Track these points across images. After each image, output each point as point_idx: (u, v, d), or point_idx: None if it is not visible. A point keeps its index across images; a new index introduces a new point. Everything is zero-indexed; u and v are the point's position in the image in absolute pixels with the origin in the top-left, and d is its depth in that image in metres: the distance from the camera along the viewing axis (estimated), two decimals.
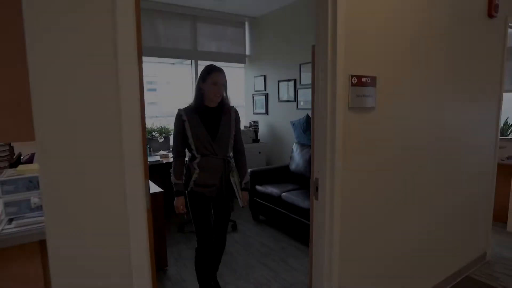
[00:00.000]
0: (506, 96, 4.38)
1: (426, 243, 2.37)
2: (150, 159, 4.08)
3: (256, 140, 5.06)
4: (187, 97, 5.04)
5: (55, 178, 0.98)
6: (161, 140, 4.62)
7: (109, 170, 1.07)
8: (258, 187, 3.89)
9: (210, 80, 2.06)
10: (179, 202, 2.16)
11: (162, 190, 2.81)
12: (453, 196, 2.56)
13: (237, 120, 2.25)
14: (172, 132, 4.72)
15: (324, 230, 1.71)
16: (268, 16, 5.02)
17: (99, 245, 1.08)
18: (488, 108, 2.83)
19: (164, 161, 4.05)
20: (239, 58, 5.45)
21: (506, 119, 4.59)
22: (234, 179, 2.23)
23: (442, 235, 2.51)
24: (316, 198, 1.74)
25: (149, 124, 4.69)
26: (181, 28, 4.81)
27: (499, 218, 3.81)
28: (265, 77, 5.14)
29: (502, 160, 3.90)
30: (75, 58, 0.99)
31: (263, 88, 5.19)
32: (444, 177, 2.44)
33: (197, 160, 2.11)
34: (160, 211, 2.75)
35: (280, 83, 4.80)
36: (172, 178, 2.14)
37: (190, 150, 2.15)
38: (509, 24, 2.87)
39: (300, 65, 4.41)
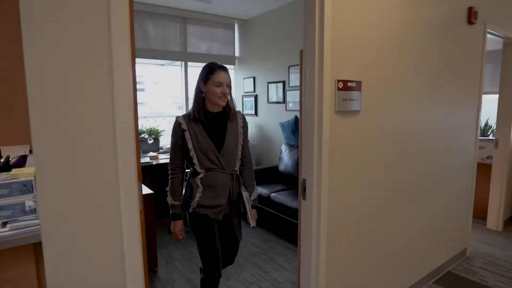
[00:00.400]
0: (487, 98, 4.55)
1: (410, 240, 2.46)
2: (140, 160, 4.09)
3: None
4: (177, 98, 5.10)
5: (50, 181, 1.01)
6: (151, 141, 4.63)
7: (103, 172, 1.10)
8: None
9: (213, 81, 1.75)
10: (176, 228, 1.88)
11: (153, 192, 2.83)
12: (436, 195, 2.67)
13: (245, 128, 1.96)
14: (162, 133, 4.75)
15: (311, 229, 1.78)
16: (257, 19, 5.08)
17: (94, 246, 1.11)
18: (468, 109, 2.95)
19: (154, 163, 4.07)
20: (228, 60, 5.49)
21: (487, 120, 4.76)
22: (246, 194, 1.93)
23: (425, 233, 2.61)
24: (304, 199, 1.80)
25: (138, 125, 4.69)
26: (171, 29, 4.82)
27: (479, 215, 3.95)
28: (254, 78, 5.20)
29: (482, 160, 4.06)
30: (69, 60, 1.02)
31: (252, 90, 5.24)
32: (427, 177, 2.54)
33: (201, 175, 1.81)
34: (150, 213, 2.77)
35: (269, 85, 4.87)
36: (169, 199, 1.85)
37: (191, 165, 1.84)
38: (488, 30, 3.00)
39: (288, 67, 4.48)
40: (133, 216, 1.16)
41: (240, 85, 5.52)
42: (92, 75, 1.06)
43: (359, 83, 1.86)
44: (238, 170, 1.94)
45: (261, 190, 3.78)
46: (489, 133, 4.68)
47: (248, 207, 1.92)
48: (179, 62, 5.10)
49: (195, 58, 5.05)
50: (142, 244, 1.24)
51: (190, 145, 1.78)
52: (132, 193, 1.15)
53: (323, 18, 1.64)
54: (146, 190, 2.86)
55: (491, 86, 4.66)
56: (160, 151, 4.74)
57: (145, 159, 4.17)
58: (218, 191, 1.84)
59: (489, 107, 4.29)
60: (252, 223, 1.96)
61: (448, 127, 2.71)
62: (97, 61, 1.06)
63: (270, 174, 4.20)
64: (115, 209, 1.13)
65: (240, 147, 1.90)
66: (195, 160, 1.79)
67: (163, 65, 5.29)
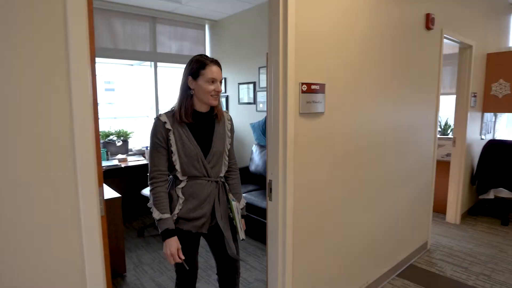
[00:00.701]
0: (448, 98, 4.81)
1: (374, 236, 2.57)
2: (107, 163, 3.98)
3: None
4: (147, 99, 5.00)
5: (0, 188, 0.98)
6: (119, 143, 4.52)
7: (59, 177, 1.08)
8: None
9: (206, 77, 1.54)
10: (172, 248, 1.53)
11: (120, 196, 2.77)
12: (398, 192, 2.80)
13: (232, 131, 1.78)
14: (131, 135, 4.64)
15: (278, 230, 1.82)
16: (228, 20, 5.08)
17: (52, 253, 1.08)
18: (428, 110, 3.11)
19: (123, 165, 3.97)
20: None
21: (447, 120, 5.03)
22: (236, 203, 1.72)
23: (389, 229, 2.73)
24: (270, 199, 1.84)
25: (106, 127, 4.57)
26: (140, 29, 4.72)
27: (439, 209, 4.18)
28: (225, 79, 5.20)
29: (442, 157, 4.29)
30: (22, 60, 0.99)
31: (223, 91, 5.24)
32: (390, 175, 2.66)
33: (182, 184, 1.60)
34: (117, 217, 2.71)
35: (240, 86, 4.89)
36: (155, 214, 1.55)
37: (170, 171, 1.63)
38: (444, 35, 3.18)
39: (259, 68, 4.52)
40: (93, 223, 1.14)
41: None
42: (47, 76, 1.03)
43: (322, 86, 1.92)
44: (223, 177, 1.74)
45: None
46: (448, 131, 4.95)
47: (237, 217, 1.70)
48: (148, 63, 5.00)
49: (165, 58, 4.98)
50: (104, 250, 1.22)
51: (173, 148, 1.56)
52: (92, 199, 1.13)
53: (286, 22, 1.68)
54: (113, 193, 2.79)
55: (450, 87, 4.94)
56: (130, 153, 4.63)
57: (113, 162, 4.07)
58: (201, 201, 1.62)
59: (449, 107, 4.54)
60: (242, 235, 1.72)
61: (409, 126, 2.85)
62: (53, 61, 1.04)
63: (241, 175, 4.19)
64: (74, 216, 1.11)
65: (227, 152, 1.72)
66: (177, 166, 1.57)
67: (132, 65, 5.17)
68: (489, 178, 4.04)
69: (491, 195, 4.06)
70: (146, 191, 3.69)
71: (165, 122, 1.56)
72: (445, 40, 3.31)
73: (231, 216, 1.73)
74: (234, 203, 1.69)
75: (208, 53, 5.49)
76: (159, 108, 5.03)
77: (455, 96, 3.93)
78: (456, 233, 3.72)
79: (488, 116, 4.51)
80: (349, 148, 2.21)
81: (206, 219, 1.65)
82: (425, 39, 2.92)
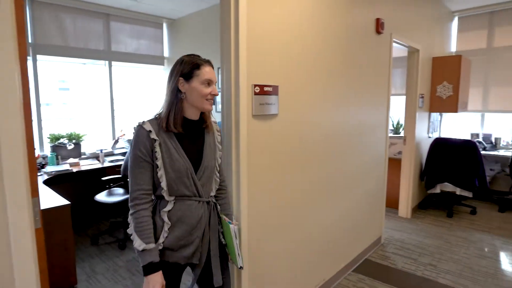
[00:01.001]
0: (400, 99, 5.06)
1: (331, 234, 2.64)
2: (58, 168, 3.74)
3: None
4: (102, 100, 4.76)
5: None
6: (71, 147, 4.26)
7: None
8: None
9: (201, 78, 1.34)
10: (157, 285, 1.29)
11: (69, 203, 2.61)
12: (353, 190, 2.90)
13: (222, 143, 1.59)
14: (83, 137, 4.40)
15: None
16: (186, 19, 4.99)
17: None
18: (379, 110, 3.26)
19: (75, 170, 3.76)
20: (157, 60, 5.30)
21: (398, 120, 5.31)
22: (233, 227, 1.46)
23: (345, 226, 2.82)
24: None
25: (56, 129, 4.29)
26: (92, 26, 4.49)
27: (392, 205, 4.40)
28: None
29: (394, 155, 4.52)
30: None
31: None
32: (345, 173, 2.75)
33: (168, 207, 1.34)
34: (66, 225, 2.56)
35: None
36: (138, 243, 1.28)
37: (157, 191, 1.37)
38: (394, 39, 3.34)
39: (218, 68, 4.46)
40: (25, 237, 1.06)
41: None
42: None
43: (276, 88, 1.94)
44: (214, 197, 1.50)
45: None
46: (400, 130, 5.23)
47: (235, 242, 1.46)
48: (103, 62, 4.77)
49: (121, 57, 4.78)
50: (40, 265, 1.13)
51: (159, 161, 1.31)
52: (23, 211, 1.05)
53: (238, 24, 1.67)
54: (61, 201, 2.62)
55: (402, 89, 5.22)
56: (83, 157, 4.39)
57: (64, 167, 3.83)
58: (191, 226, 1.37)
59: (402, 107, 4.79)
60: (240, 262, 1.49)
61: (362, 126, 2.96)
62: None
63: None
64: (1, 231, 1.02)
65: (218, 167, 1.50)
66: (163, 183, 1.32)
67: (85, 64, 4.90)
68: (436, 174, 4.32)
69: (437, 189, 4.35)
70: (101, 197, 3.52)
71: (150, 131, 1.31)
72: (395, 44, 3.49)
73: (223, 241, 1.51)
74: (231, 226, 1.43)
75: (166, 53, 5.35)
76: (115, 110, 4.83)
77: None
78: (407, 227, 3.93)
79: (435, 115, 4.83)
80: (304, 149, 2.25)
81: (196, 247, 1.39)
82: (375, 42, 3.06)
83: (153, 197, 1.38)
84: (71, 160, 4.09)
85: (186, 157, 1.35)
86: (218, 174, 1.49)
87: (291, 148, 2.13)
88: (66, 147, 4.23)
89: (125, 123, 5.09)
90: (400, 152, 4.45)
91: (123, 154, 4.54)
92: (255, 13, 1.79)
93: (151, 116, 1.39)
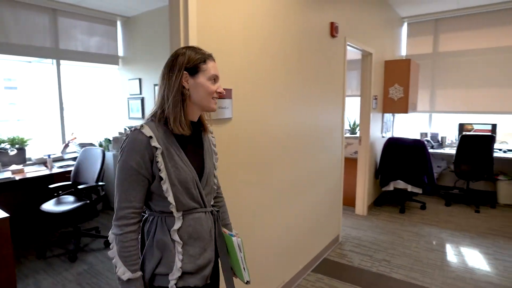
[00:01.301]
0: (355, 100, 5.24)
1: (290, 235, 2.65)
2: None
3: None
4: (49, 101, 4.43)
5: None
6: (13, 152, 3.93)
7: None
8: None
9: (208, 73, 1.18)
10: None
11: (8, 215, 2.38)
12: (312, 191, 2.94)
13: (215, 147, 1.41)
14: (28, 142, 4.07)
15: None
16: (141, 17, 4.80)
17: None
18: (335, 111, 3.34)
19: (17, 178, 3.46)
20: (111, 59, 5.05)
21: (355, 120, 5.50)
22: (237, 239, 1.29)
23: (304, 226, 2.86)
24: None
25: (8, 130, 3.94)
26: (37, 22, 4.16)
27: (349, 203, 4.55)
28: (140, 80, 4.91)
29: (351, 154, 4.67)
30: None
31: (138, 92, 4.94)
32: (303, 174, 2.78)
33: (178, 224, 1.16)
34: (4, 239, 2.33)
35: (156, 87, 4.62)
36: (122, 271, 1.09)
37: (158, 207, 1.17)
38: (348, 43, 3.45)
39: None
40: None
41: (125, 86, 5.15)
42: None
43: (229, 91, 1.90)
44: (212, 206, 1.34)
45: None
46: (357, 131, 5.42)
47: (240, 255, 1.30)
48: (50, 60, 4.45)
49: (70, 56, 4.50)
50: None
51: (163, 173, 1.12)
52: None
53: (187, 26, 1.61)
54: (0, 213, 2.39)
55: (358, 90, 5.41)
56: (28, 163, 4.07)
57: (4, 174, 3.51)
58: (204, 241, 1.22)
59: (358, 108, 4.97)
60: (246, 276, 1.33)
61: (319, 127, 3.02)
62: None
63: None
64: None
65: (215, 173, 1.34)
66: (170, 198, 1.13)
67: (30, 62, 4.55)
68: (389, 172, 4.53)
69: (391, 187, 4.56)
70: (48, 206, 3.26)
71: (151, 137, 1.10)
72: (350, 48, 3.60)
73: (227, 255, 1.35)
74: (234, 239, 1.28)
75: (121, 52, 5.12)
76: (64, 111, 4.52)
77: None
78: (364, 224, 4.08)
79: (387, 116, 5.06)
80: (259, 152, 2.24)
81: (212, 264, 1.25)
82: (330, 45, 3.13)
83: (151, 216, 1.20)
84: (14, 167, 3.77)
85: (190, 164, 1.19)
86: (215, 181, 1.34)
87: (247, 152, 2.11)
88: (7, 152, 3.89)
89: (76, 125, 4.79)
90: (356, 152, 4.61)
91: (74, 159, 4.27)
92: (206, 14, 1.74)
93: (147, 118, 1.17)
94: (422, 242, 3.56)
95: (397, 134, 5.56)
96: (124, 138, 1.13)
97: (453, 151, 4.82)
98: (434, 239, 3.63)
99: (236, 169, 2.02)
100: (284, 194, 2.55)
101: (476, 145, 4.43)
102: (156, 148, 1.11)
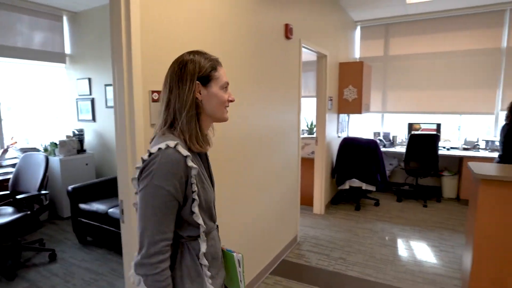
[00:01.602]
0: (313, 101, 5.32)
1: (249, 238, 2.61)
2: None
3: (81, 150, 4.49)
4: None
5: None
6: None
7: None
8: (82, 206, 3.46)
9: (221, 80, 1.09)
10: None
11: None
12: (270, 191, 2.92)
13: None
14: None
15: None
16: (90, 12, 4.51)
17: None
18: (292, 112, 3.36)
19: None
20: (57, 57, 4.70)
21: (312, 121, 5.61)
22: (236, 254, 1.24)
23: (262, 228, 2.83)
24: (123, 221, 1.64)
25: None
26: None
27: (307, 202, 4.62)
28: (90, 80, 4.61)
29: (308, 155, 4.74)
30: None
31: (88, 92, 4.64)
32: (261, 175, 2.75)
33: (204, 246, 1.07)
34: None
35: (107, 87, 4.41)
36: None
37: (185, 232, 1.06)
38: (302, 45, 3.48)
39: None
40: None
41: (73, 86, 4.82)
42: None
43: None
44: None
45: (98, 206, 3.37)
46: (315, 131, 5.52)
47: (239, 270, 1.24)
48: None
49: (8, 52, 4.11)
50: None
51: (196, 195, 1.02)
52: None
53: (130, 24, 1.51)
54: None
55: (315, 91, 5.51)
56: None
57: None
58: (221, 261, 1.19)
59: (312, 108, 5.06)
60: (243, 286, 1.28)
61: (276, 128, 3.01)
62: None
63: (110, 187, 3.80)
64: None
65: None
66: (200, 221, 1.04)
67: None
68: (345, 171, 4.66)
69: (347, 185, 4.70)
70: None
71: (187, 157, 0.98)
72: (305, 49, 3.64)
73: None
74: (235, 255, 1.23)
75: (68, 50, 4.78)
76: (1, 114, 4.12)
77: None
78: (321, 223, 4.15)
79: (343, 116, 5.21)
80: (216, 154, 2.17)
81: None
82: (285, 47, 3.13)
83: (179, 243, 1.07)
84: None
85: (210, 180, 1.14)
86: None
87: None
88: None
89: (17, 129, 4.40)
90: (313, 152, 4.69)
91: (13, 165, 3.91)
92: (151, 12, 1.64)
93: (169, 134, 1.02)
94: (375, 238, 3.69)
95: (352, 134, 5.75)
96: (151, 157, 0.95)
97: (403, 149, 5.08)
98: (387, 234, 3.79)
99: None
100: (241, 196, 2.50)
101: (423, 144, 4.69)
102: (193, 168, 0.99)
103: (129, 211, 1.60)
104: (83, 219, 3.46)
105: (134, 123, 1.55)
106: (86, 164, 4.46)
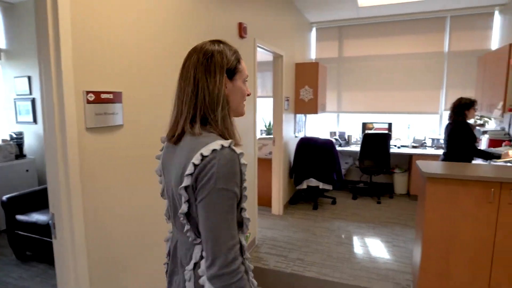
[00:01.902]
0: (271, 101, 5.30)
1: None
2: None
3: (21, 156, 4.09)
4: None
5: None
6: None
7: None
8: (20, 217, 3.13)
9: (243, 74, 1.06)
10: None
11: None
12: None
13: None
14: None
15: (69, 275, 1.46)
16: (29, 4, 4.12)
17: None
18: (247, 112, 3.29)
19: None
20: None
21: (270, 121, 5.60)
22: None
23: None
24: (55, 237, 1.47)
25: None
26: None
27: (266, 203, 4.59)
28: (29, 78, 4.22)
29: (266, 155, 4.72)
30: None
31: (28, 92, 4.24)
32: None
33: (244, 240, 1.03)
34: None
35: None
36: None
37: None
38: (257, 44, 3.43)
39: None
40: None
41: (10, 85, 4.38)
42: None
43: (118, 94, 1.67)
44: None
45: (38, 217, 3.06)
46: (271, 132, 5.52)
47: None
48: None
49: None
50: None
51: (245, 192, 0.98)
52: None
53: (57, 18, 1.34)
54: None
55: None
56: None
57: None
58: None
59: (268, 108, 5.04)
60: None
61: None
62: None
63: None
64: None
65: None
66: (246, 220, 1.00)
67: None
68: (302, 171, 4.70)
69: (304, 185, 4.74)
70: None
71: (240, 154, 0.94)
72: (261, 49, 3.60)
73: None
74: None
75: (3, 45, 4.33)
76: None
77: None
78: (280, 224, 4.14)
79: (300, 116, 5.26)
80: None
81: None
82: (239, 46, 3.01)
83: None
84: None
85: None
86: None
87: (143, 162, 1.89)
88: None
89: None
90: (271, 153, 4.67)
91: None
92: (85, 5, 1.48)
93: (216, 135, 0.96)
94: (332, 236, 3.75)
95: (309, 134, 5.82)
96: (206, 161, 0.87)
97: (358, 148, 5.23)
98: (343, 232, 3.87)
99: (130, 181, 1.79)
100: None
101: (376, 143, 4.87)
102: (245, 166, 0.94)
103: (62, 225, 1.43)
104: (20, 232, 3.14)
105: (66, 127, 1.38)
106: (27, 171, 4.07)
